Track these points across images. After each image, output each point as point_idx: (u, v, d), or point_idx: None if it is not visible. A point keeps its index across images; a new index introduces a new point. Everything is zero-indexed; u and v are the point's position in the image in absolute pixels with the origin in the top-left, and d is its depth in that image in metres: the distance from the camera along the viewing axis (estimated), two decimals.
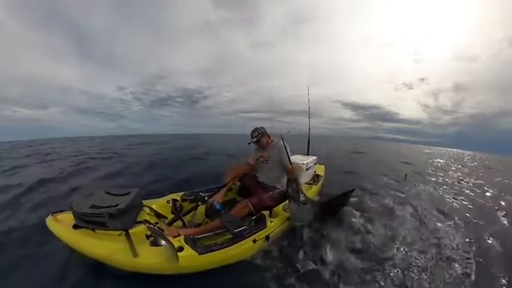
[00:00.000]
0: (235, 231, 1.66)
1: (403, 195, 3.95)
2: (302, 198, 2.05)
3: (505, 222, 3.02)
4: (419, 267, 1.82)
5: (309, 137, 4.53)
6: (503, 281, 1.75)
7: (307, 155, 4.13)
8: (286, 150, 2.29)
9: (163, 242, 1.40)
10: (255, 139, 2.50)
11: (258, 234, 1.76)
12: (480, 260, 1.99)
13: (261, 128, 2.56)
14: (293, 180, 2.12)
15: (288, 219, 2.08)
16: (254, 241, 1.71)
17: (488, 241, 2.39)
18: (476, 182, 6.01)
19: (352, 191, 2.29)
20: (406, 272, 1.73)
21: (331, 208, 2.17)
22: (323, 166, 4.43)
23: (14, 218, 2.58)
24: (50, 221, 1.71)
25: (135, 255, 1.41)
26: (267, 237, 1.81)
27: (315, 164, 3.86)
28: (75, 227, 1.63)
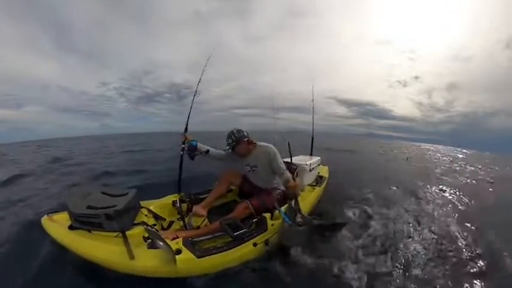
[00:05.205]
0: (235, 234, 1.61)
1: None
2: (299, 219, 1.85)
3: None
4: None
5: (312, 137, 4.40)
6: None
7: (311, 155, 4.03)
8: (277, 156, 2.02)
9: (161, 244, 1.36)
10: (228, 148, 2.07)
11: (258, 237, 1.70)
12: None
13: (238, 132, 2.04)
14: (292, 197, 1.91)
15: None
16: (254, 244, 1.65)
17: None
18: None
19: (344, 224, 2.09)
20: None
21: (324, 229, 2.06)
22: (326, 167, 4.33)
23: None
24: (45, 221, 1.68)
25: (132, 257, 1.36)
26: (268, 241, 1.75)
27: (319, 164, 3.78)
28: (71, 227, 1.60)
